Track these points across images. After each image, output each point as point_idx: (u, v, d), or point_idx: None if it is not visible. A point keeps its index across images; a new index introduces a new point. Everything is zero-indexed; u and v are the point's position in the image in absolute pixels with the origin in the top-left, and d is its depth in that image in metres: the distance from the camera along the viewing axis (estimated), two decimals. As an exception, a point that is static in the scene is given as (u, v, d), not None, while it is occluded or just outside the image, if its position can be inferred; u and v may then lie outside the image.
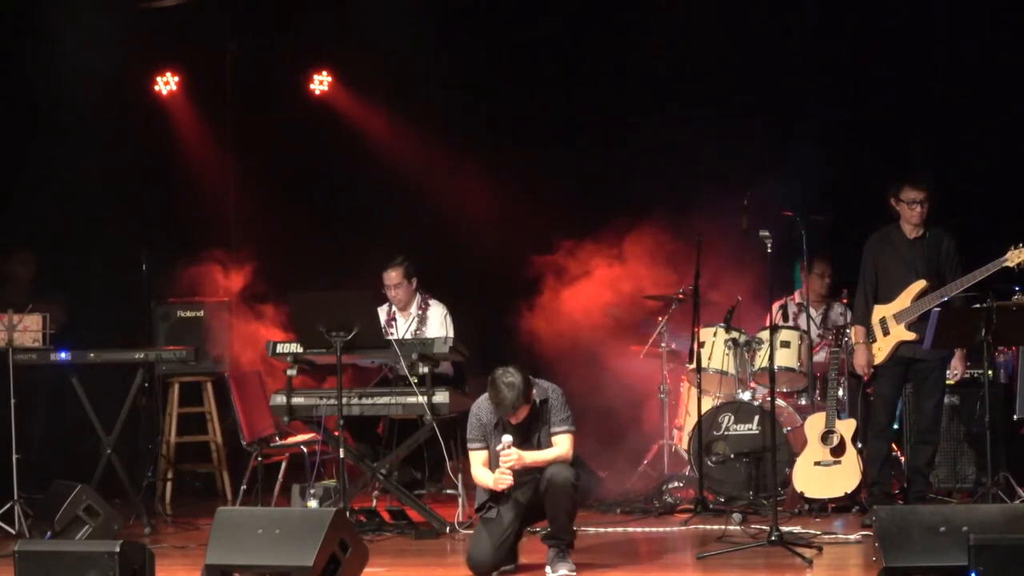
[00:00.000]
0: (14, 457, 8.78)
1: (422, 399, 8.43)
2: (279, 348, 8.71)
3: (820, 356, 9.67)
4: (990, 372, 8.41)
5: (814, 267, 9.80)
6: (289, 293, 9.00)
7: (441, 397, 8.46)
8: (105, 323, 10.54)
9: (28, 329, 8.98)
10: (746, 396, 9.57)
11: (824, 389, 9.30)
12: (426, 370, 8.44)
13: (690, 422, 9.64)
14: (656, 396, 10.18)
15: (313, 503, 8.65)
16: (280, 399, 8.68)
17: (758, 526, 8.17)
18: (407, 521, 8.65)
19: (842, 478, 8.82)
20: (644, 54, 11.28)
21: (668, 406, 10.08)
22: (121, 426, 9.11)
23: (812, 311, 9.85)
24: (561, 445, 7.14)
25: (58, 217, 10.95)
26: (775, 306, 9.73)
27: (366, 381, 9.18)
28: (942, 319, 8.07)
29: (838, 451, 8.85)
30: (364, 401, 8.63)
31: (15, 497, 8.76)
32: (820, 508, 8.80)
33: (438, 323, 9.38)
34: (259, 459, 9.16)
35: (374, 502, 9.20)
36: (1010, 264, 8.17)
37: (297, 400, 8.63)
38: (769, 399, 8.51)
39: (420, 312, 9.45)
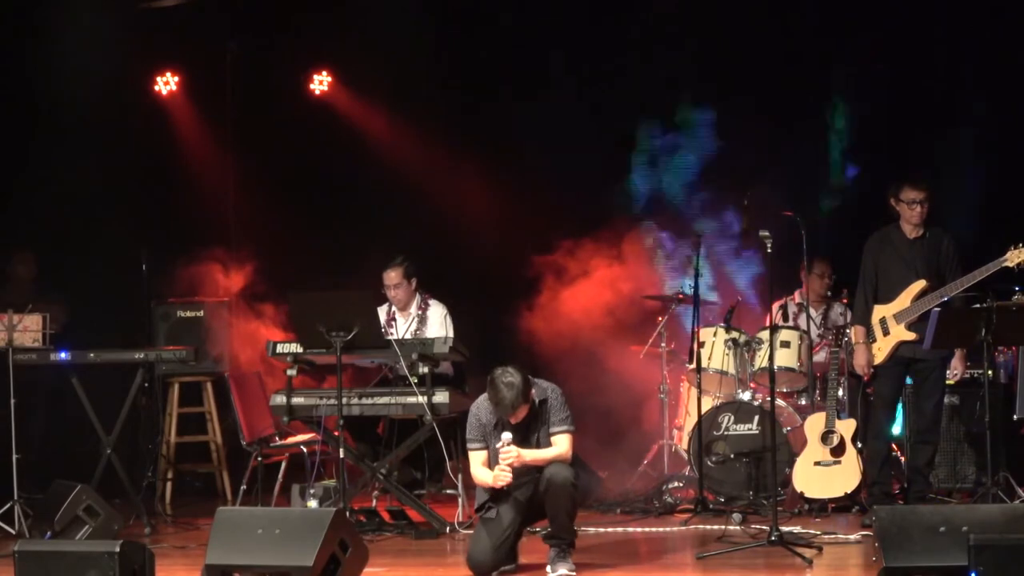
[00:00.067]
0: (14, 457, 8.77)
1: (422, 399, 8.42)
2: (279, 348, 8.71)
3: (820, 356, 9.67)
4: (990, 372, 8.42)
5: (814, 267, 9.80)
6: (289, 293, 9.00)
7: (441, 397, 8.46)
8: (105, 323, 10.54)
9: (28, 329, 8.98)
10: (746, 396, 9.57)
11: (824, 389, 9.30)
12: (426, 370, 8.44)
13: (690, 422, 9.64)
14: (656, 396, 10.18)
15: (313, 503, 8.65)
16: (280, 399, 8.68)
17: (758, 526, 8.16)
18: (407, 521, 8.65)
19: (842, 478, 8.82)
20: (644, 54, 11.28)
21: (668, 406, 10.08)
22: (121, 426, 9.10)
23: (812, 311, 9.85)
24: (560, 445, 7.14)
25: (58, 217, 10.95)
26: (775, 306, 9.73)
27: (366, 381, 9.18)
28: (942, 319, 8.07)
29: (838, 451, 8.85)
30: (364, 401, 8.63)
31: (15, 497, 8.75)
32: (820, 508, 8.80)
33: (438, 323, 9.37)
34: (259, 459, 9.16)
35: (374, 502, 9.20)
36: (1010, 264, 8.17)
37: (297, 400, 8.63)
38: (769, 399, 8.51)
39: (420, 312, 9.45)
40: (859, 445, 8.86)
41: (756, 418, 9.37)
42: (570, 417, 7.20)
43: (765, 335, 9.40)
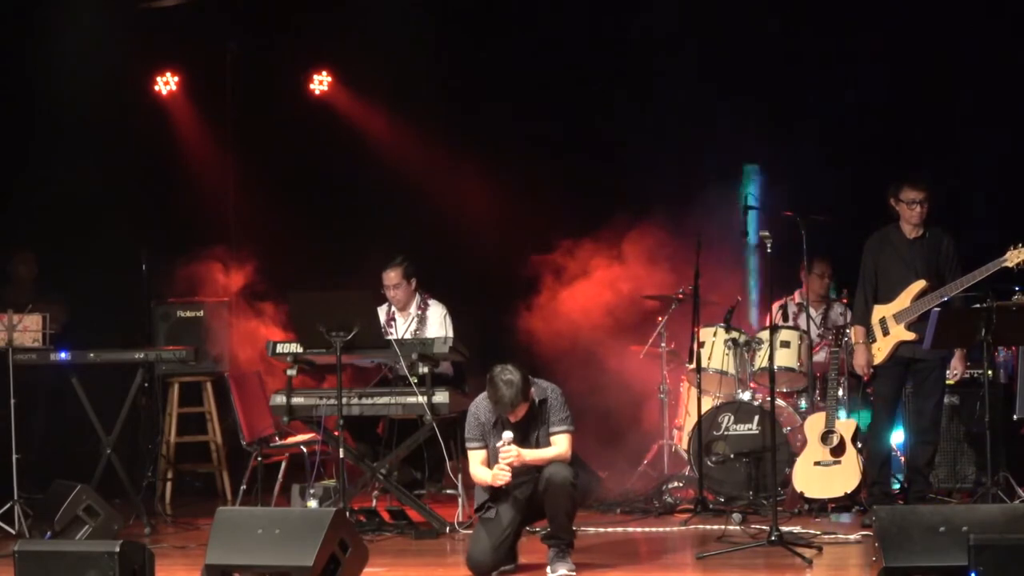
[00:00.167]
0: (14, 457, 8.77)
1: (422, 399, 8.43)
2: (279, 348, 8.71)
3: (820, 356, 9.67)
4: (990, 372, 8.42)
5: (814, 267, 9.79)
6: (289, 293, 9.00)
7: (441, 397, 8.46)
8: (105, 323, 10.54)
9: (28, 329, 8.98)
10: (746, 396, 9.57)
11: (824, 389, 9.30)
12: (426, 370, 8.44)
13: (690, 422, 9.64)
14: (656, 396, 10.18)
15: (313, 503, 8.65)
16: (280, 399, 8.68)
17: (758, 526, 8.16)
18: (407, 521, 8.65)
19: (842, 478, 8.81)
20: (644, 53, 11.28)
21: (668, 406, 10.08)
22: (121, 426, 9.10)
23: (812, 311, 9.85)
24: (560, 444, 7.14)
25: (58, 217, 10.95)
26: (775, 306, 9.73)
27: (366, 381, 9.19)
28: (942, 319, 8.07)
29: (838, 451, 8.85)
30: (364, 401, 8.63)
31: (15, 497, 8.75)
32: (820, 508, 8.80)
33: (438, 323, 9.37)
34: (259, 459, 9.16)
35: (374, 502, 9.20)
36: (1010, 264, 8.17)
37: (297, 400, 8.63)
38: (769, 399, 8.51)
39: (420, 312, 9.45)
40: (859, 445, 8.87)
41: (756, 418, 9.37)
42: (570, 417, 7.20)
43: (765, 335, 9.40)
